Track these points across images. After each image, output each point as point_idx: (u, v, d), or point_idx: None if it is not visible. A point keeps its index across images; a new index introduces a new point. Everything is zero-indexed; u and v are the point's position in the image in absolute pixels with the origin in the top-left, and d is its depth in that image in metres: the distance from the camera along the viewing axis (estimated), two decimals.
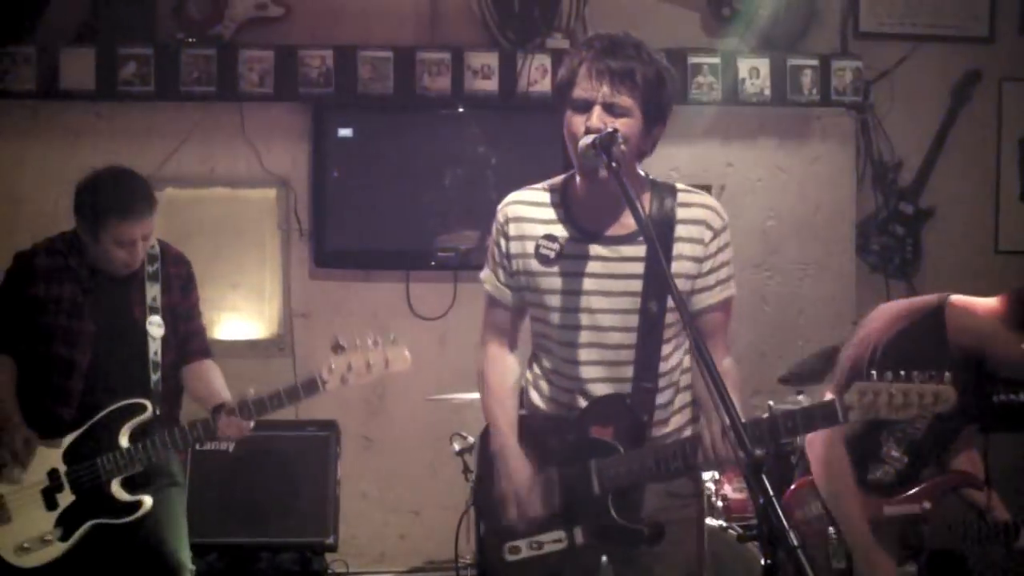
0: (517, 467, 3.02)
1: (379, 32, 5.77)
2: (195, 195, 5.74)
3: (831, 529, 3.57)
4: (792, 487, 3.68)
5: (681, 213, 3.03)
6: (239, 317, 5.79)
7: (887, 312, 3.63)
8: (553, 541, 2.99)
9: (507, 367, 3.18)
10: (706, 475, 4.65)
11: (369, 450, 5.84)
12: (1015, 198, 6.40)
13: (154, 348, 3.90)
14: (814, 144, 6.20)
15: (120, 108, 5.63)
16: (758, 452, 2.27)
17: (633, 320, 2.98)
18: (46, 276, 3.91)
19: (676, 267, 2.96)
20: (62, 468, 3.78)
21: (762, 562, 2.30)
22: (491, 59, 5.72)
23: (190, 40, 5.57)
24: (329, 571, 5.59)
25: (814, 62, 6.02)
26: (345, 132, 5.72)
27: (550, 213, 3.04)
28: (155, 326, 3.91)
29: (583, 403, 3.02)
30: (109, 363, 3.89)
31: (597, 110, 2.85)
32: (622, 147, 2.79)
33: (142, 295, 3.93)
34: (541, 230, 3.02)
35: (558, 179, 3.10)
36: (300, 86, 5.63)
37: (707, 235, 3.04)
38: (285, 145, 5.78)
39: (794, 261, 6.22)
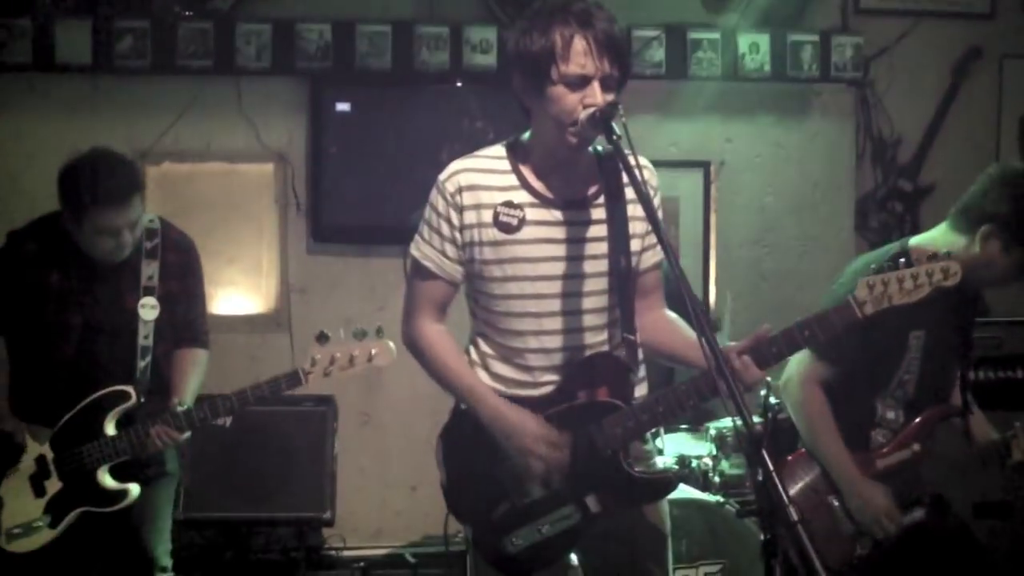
0: (526, 420, 2.89)
1: (378, 6, 5.74)
2: (192, 170, 5.72)
3: (831, 498, 3.59)
4: (789, 458, 3.69)
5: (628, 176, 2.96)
6: (236, 292, 5.77)
7: (855, 264, 3.70)
8: (562, 519, 2.92)
9: (453, 341, 3.04)
10: (702, 450, 4.66)
11: (367, 426, 5.84)
12: None
13: (144, 332, 3.78)
14: (814, 120, 6.19)
15: (116, 81, 5.59)
16: (758, 427, 2.26)
17: (599, 284, 2.95)
18: (35, 262, 3.79)
19: (632, 228, 2.96)
20: (49, 455, 3.74)
21: (761, 537, 2.29)
22: (489, 34, 5.69)
23: (187, 13, 5.54)
24: (326, 546, 5.61)
25: (814, 38, 6.00)
26: (343, 107, 5.70)
27: (507, 180, 2.93)
28: (148, 308, 3.79)
29: (545, 377, 2.95)
30: (97, 354, 3.80)
31: (597, 86, 2.79)
32: (623, 119, 2.75)
33: (136, 277, 3.80)
34: (499, 197, 2.91)
35: (498, 147, 3.00)
36: (298, 60, 5.60)
37: (651, 194, 3.01)
38: (283, 120, 5.76)
39: (793, 237, 6.21)
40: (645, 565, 3.06)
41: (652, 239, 3.03)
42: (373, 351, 3.60)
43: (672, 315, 3.14)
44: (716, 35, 5.91)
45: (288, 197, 5.77)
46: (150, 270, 3.81)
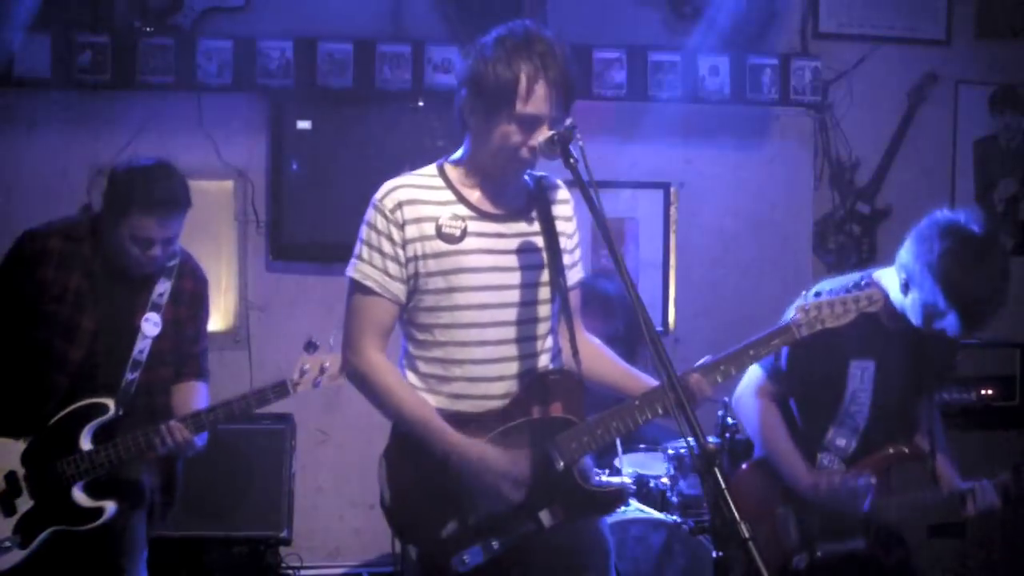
0: (487, 454, 2.89)
1: (339, 24, 5.74)
2: None
3: (779, 509, 3.64)
4: (744, 466, 3.74)
5: (551, 195, 3.08)
6: None
7: (818, 288, 3.73)
8: (515, 534, 2.93)
9: (394, 368, 3.03)
10: (660, 470, 4.68)
11: (325, 444, 5.82)
12: (970, 200, 6.48)
13: (140, 347, 3.68)
14: (773, 143, 6.24)
15: (76, 96, 5.56)
16: (712, 446, 2.28)
17: (537, 294, 2.99)
18: (58, 261, 3.66)
19: (561, 243, 3.03)
20: (20, 471, 3.61)
21: (713, 555, 2.31)
22: (452, 53, 5.70)
23: (148, 29, 5.52)
24: (283, 565, 5.57)
25: (774, 61, 6.05)
26: (304, 124, 5.69)
27: (444, 195, 2.99)
28: (150, 324, 3.69)
29: (492, 389, 2.96)
30: (100, 362, 3.68)
31: (544, 128, 2.87)
32: (580, 143, 2.79)
33: (148, 293, 3.72)
34: (440, 211, 2.96)
35: (430, 167, 3.08)
36: (259, 77, 5.59)
37: (570, 212, 3.12)
38: (243, 136, 5.74)
39: (751, 259, 6.25)
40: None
41: (576, 254, 3.13)
42: None
43: (595, 339, 3.20)
44: (676, 57, 5.94)
45: (248, 214, 5.75)
46: (163, 288, 3.74)
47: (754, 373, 3.69)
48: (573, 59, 2.94)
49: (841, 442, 3.68)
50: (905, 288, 3.52)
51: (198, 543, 5.25)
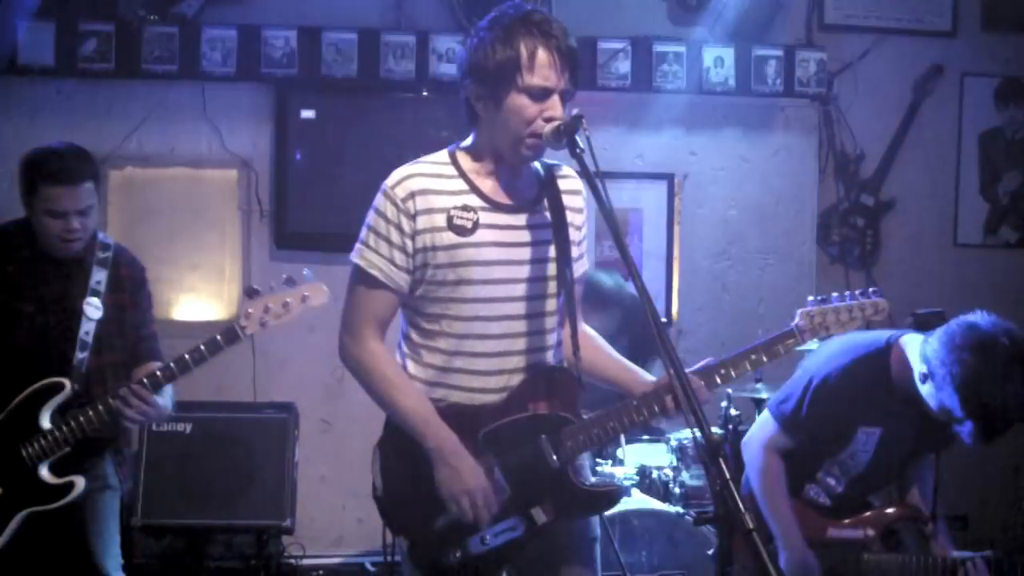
0: (468, 463, 2.86)
1: (344, 14, 5.74)
2: (155, 175, 5.69)
3: (770, 547, 3.62)
4: None
5: (562, 184, 3.03)
6: (198, 298, 5.74)
7: (832, 345, 3.66)
8: (507, 530, 2.91)
9: (393, 359, 3.01)
10: (664, 461, 4.68)
11: (328, 433, 5.82)
12: (974, 192, 6.47)
13: (86, 328, 3.75)
14: (777, 134, 6.23)
15: (80, 85, 5.57)
16: (717, 435, 2.28)
17: (545, 288, 2.97)
18: None
19: (571, 235, 2.99)
20: None
21: (717, 544, 2.31)
22: (456, 43, 5.70)
23: (152, 18, 5.52)
24: (285, 554, 5.58)
25: (779, 53, 6.05)
26: (308, 114, 5.69)
27: (456, 184, 2.93)
28: (92, 308, 3.77)
29: (492, 383, 2.94)
30: (43, 346, 3.77)
31: (558, 99, 2.83)
32: (586, 132, 2.78)
33: (85, 280, 3.80)
34: (451, 201, 2.90)
35: (442, 153, 3.02)
36: (263, 66, 5.60)
37: (582, 203, 3.08)
38: (247, 126, 5.74)
39: (755, 251, 6.25)
40: (573, 567, 3.05)
41: (584, 246, 3.10)
42: (305, 294, 3.59)
43: (592, 331, 3.17)
44: (681, 48, 5.94)
45: (252, 203, 5.75)
46: (99, 276, 3.81)
47: (766, 423, 3.67)
48: (571, 33, 2.90)
49: (831, 481, 3.68)
50: (924, 378, 3.45)
51: (201, 532, 5.26)
